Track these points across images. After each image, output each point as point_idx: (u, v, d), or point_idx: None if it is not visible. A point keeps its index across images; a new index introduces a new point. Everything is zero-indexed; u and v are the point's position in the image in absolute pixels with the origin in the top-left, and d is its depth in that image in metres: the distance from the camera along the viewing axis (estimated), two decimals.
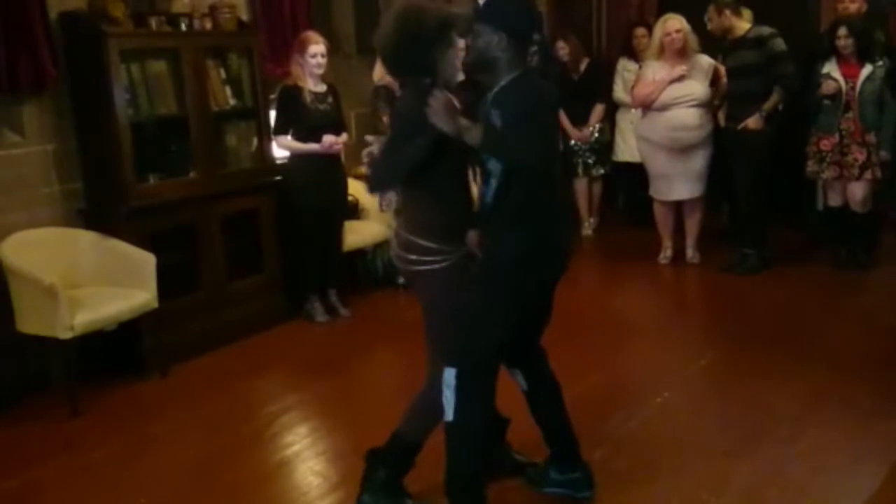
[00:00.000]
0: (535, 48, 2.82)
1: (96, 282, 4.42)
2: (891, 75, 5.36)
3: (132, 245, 4.41)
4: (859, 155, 5.44)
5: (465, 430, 2.80)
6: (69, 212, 4.59)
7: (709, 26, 5.67)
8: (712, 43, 5.88)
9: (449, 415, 2.79)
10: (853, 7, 5.66)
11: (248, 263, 5.17)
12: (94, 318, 4.11)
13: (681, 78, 5.67)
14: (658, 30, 5.80)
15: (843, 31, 5.41)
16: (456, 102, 2.74)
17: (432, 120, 2.65)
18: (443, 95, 2.68)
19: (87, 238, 4.51)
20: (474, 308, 2.77)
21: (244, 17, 5.38)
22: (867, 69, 5.39)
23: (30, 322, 4.11)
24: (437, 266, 2.81)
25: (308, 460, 3.57)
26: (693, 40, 5.74)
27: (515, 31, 2.74)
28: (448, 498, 2.87)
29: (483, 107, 2.81)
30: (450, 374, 2.76)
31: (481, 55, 2.77)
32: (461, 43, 2.84)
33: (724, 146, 5.81)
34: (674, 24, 5.70)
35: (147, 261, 4.36)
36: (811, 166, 5.66)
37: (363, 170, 5.88)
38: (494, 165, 2.74)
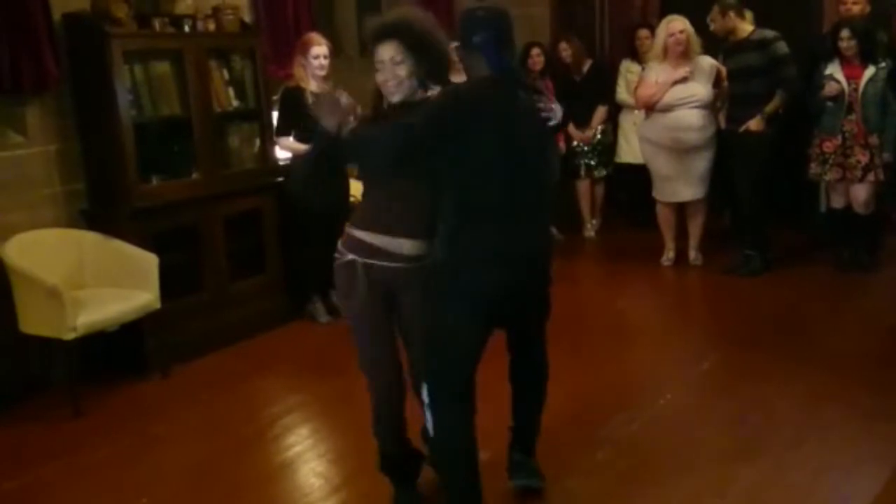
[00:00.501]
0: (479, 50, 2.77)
1: (99, 282, 4.43)
2: (892, 76, 5.34)
3: (135, 246, 4.41)
4: (862, 157, 5.43)
5: (445, 444, 2.82)
6: (72, 212, 4.59)
7: (712, 27, 5.66)
8: (714, 44, 5.88)
9: (430, 431, 2.82)
10: (856, 9, 5.64)
11: (250, 264, 5.17)
12: (96, 319, 4.12)
13: (683, 79, 5.67)
14: (662, 30, 5.79)
15: (845, 32, 5.40)
16: (343, 100, 2.81)
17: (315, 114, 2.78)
18: (332, 95, 2.83)
19: (89, 239, 4.51)
20: (433, 323, 2.77)
21: (247, 18, 5.38)
22: (870, 71, 5.38)
23: (33, 323, 4.11)
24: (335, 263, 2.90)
25: (310, 461, 3.56)
26: (696, 42, 5.73)
27: (463, 42, 2.83)
28: None
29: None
30: (425, 392, 2.78)
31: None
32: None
33: (725, 148, 5.80)
34: (677, 24, 5.70)
35: (149, 261, 4.37)
36: (814, 168, 5.65)
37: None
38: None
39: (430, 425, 2.81)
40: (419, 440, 3.12)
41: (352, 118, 2.80)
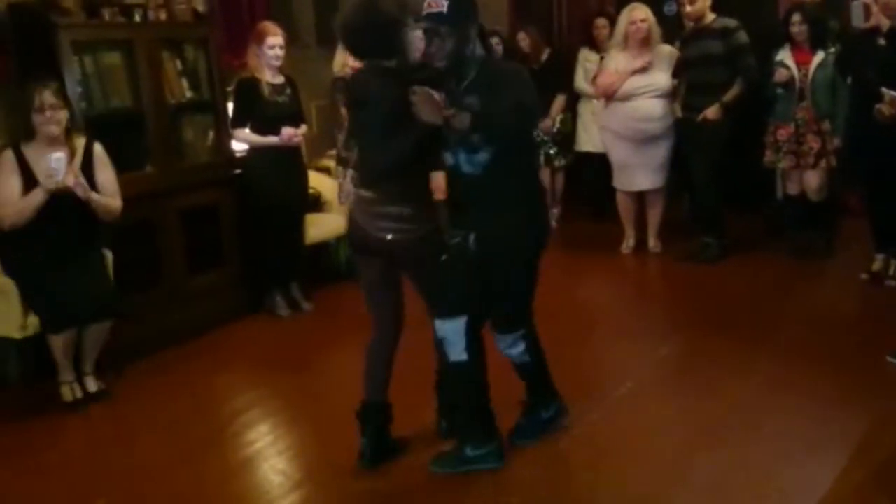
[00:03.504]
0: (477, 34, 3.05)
1: None
2: (839, 60, 5.33)
3: None
4: (814, 143, 5.48)
5: (477, 364, 3.19)
6: None
7: (688, 8, 5.64)
8: (671, 33, 5.91)
9: (460, 355, 3.13)
10: None
11: (208, 258, 5.09)
12: None
13: (643, 69, 5.68)
14: (623, 19, 5.79)
15: (797, 16, 5.44)
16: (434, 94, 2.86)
17: (418, 115, 2.84)
18: (424, 90, 2.83)
19: None
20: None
21: (200, 7, 5.28)
22: (819, 56, 5.40)
23: None
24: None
25: (270, 458, 3.52)
26: (657, 31, 5.74)
27: (476, 23, 3.04)
28: (461, 433, 3.25)
29: (456, 96, 2.98)
30: (461, 324, 3.10)
31: (456, 53, 2.97)
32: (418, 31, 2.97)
33: (681, 136, 5.83)
34: (639, 13, 5.70)
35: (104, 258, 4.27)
36: (768, 156, 5.69)
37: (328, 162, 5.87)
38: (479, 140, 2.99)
39: (457, 349, 3.13)
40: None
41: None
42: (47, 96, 3.88)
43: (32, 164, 3.88)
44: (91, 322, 4.00)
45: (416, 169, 3.09)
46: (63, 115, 3.91)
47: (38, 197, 3.81)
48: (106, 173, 4.08)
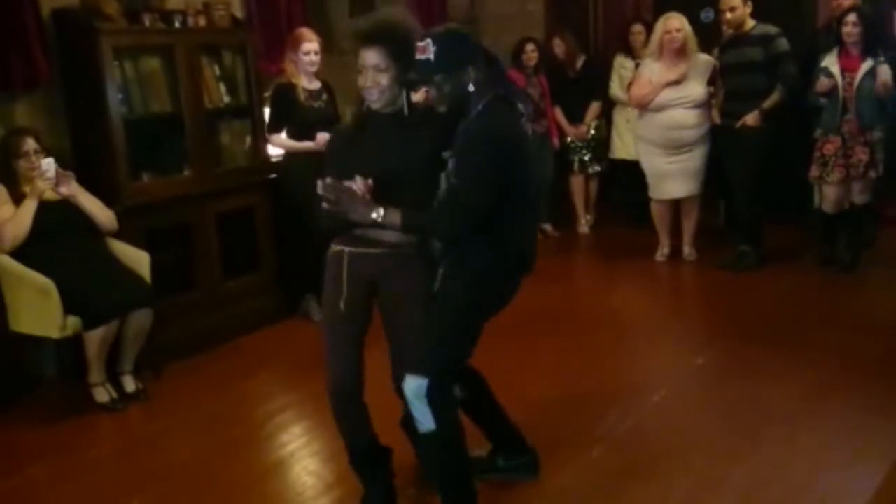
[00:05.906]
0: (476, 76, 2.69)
1: None
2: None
3: (126, 244, 4.38)
4: (863, 155, 5.29)
5: (450, 433, 2.80)
6: None
7: (728, 15, 5.56)
8: (706, 39, 5.87)
9: (430, 424, 2.76)
10: (847, 4, 5.58)
11: (243, 262, 5.15)
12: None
13: (677, 81, 5.63)
14: (658, 28, 5.75)
15: (852, 17, 5.21)
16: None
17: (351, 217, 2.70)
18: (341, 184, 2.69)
19: None
20: (455, 319, 2.76)
21: (238, 13, 5.35)
22: (867, 64, 5.19)
23: (23, 321, 4.07)
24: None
25: (303, 460, 3.54)
26: (693, 41, 5.68)
27: (476, 64, 2.70)
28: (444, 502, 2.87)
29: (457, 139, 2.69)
30: (420, 385, 2.73)
31: (455, 97, 2.70)
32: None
33: (719, 143, 5.77)
34: (674, 22, 5.65)
35: (142, 260, 4.33)
36: (814, 171, 5.48)
37: None
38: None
39: (427, 418, 2.75)
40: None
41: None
42: (31, 143, 4.11)
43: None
44: (132, 309, 4.08)
45: None
46: (42, 158, 4.10)
47: (30, 204, 4.02)
48: (87, 193, 4.24)
